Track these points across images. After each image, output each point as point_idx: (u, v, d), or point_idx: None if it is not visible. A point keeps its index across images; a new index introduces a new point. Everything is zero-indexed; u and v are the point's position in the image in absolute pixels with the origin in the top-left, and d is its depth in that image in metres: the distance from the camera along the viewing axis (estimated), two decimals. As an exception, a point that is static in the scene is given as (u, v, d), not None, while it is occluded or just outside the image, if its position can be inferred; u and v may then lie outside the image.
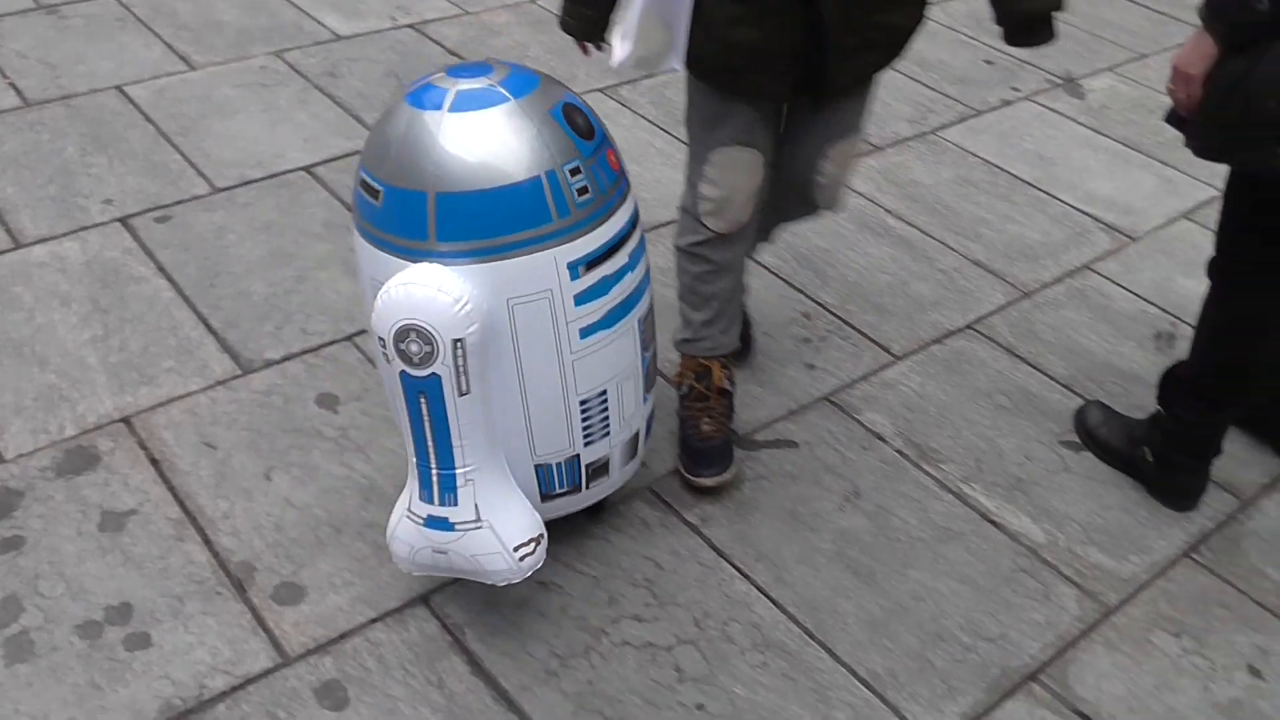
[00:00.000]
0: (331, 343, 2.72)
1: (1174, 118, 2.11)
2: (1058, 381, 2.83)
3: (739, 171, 2.22)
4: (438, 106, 1.80)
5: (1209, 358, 2.36)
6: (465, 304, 1.78)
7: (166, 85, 3.65)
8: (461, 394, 1.84)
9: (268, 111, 3.56)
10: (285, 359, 2.67)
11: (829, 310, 2.99)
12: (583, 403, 2.01)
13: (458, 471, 1.91)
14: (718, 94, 2.16)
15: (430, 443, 1.89)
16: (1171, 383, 2.44)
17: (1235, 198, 2.21)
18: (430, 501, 1.93)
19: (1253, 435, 2.67)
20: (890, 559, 2.33)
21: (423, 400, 1.85)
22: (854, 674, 2.10)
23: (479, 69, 1.87)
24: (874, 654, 2.15)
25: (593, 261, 1.90)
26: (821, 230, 3.26)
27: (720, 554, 2.31)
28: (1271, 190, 2.06)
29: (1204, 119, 1.98)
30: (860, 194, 3.45)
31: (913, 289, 3.10)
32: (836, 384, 2.76)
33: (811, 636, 2.16)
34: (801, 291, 3.05)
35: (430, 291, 1.76)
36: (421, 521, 1.94)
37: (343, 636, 2.08)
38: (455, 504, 1.93)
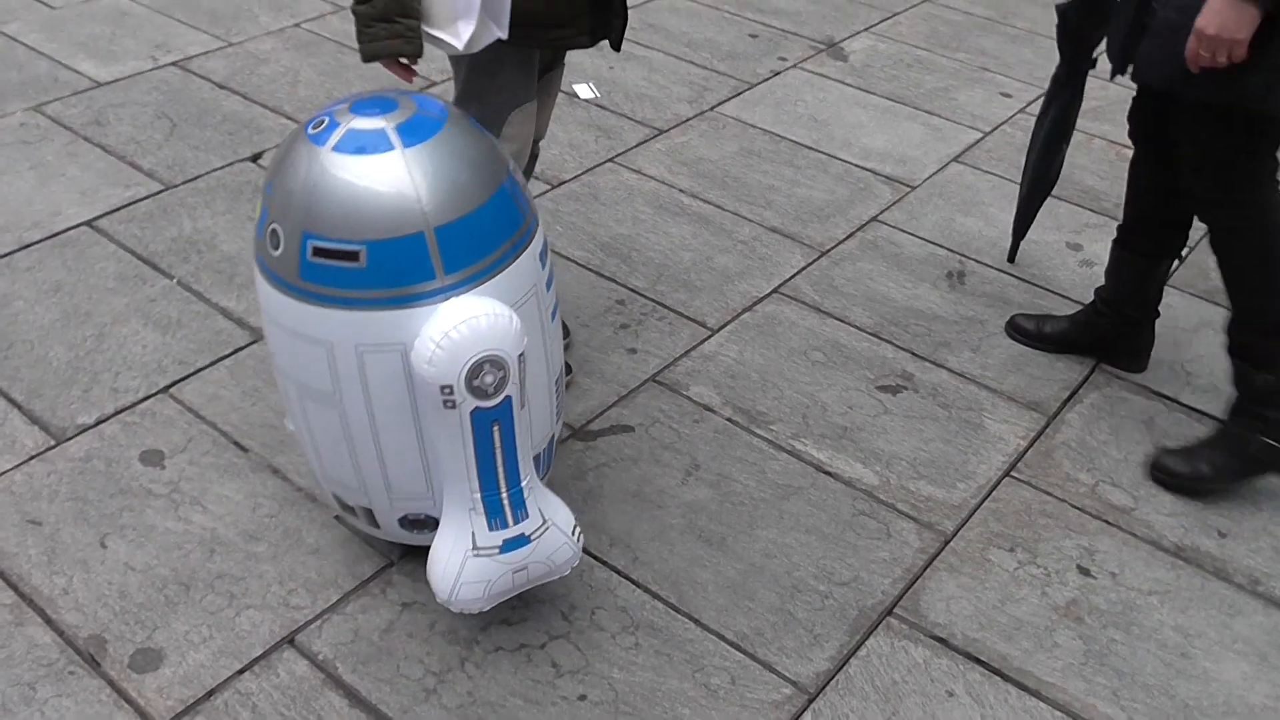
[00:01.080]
0: (146, 398, 2.64)
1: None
2: (865, 331, 2.97)
3: (529, 123, 2.37)
4: (389, 147, 1.79)
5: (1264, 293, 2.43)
6: (515, 319, 1.83)
7: (-82, 154, 3.46)
8: (520, 408, 1.89)
9: (35, 169, 3.40)
10: (100, 421, 2.57)
11: (641, 294, 3.06)
12: (554, 381, 2.14)
13: (523, 485, 1.96)
14: (517, 60, 2.26)
15: (500, 469, 1.92)
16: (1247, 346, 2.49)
17: (1238, 139, 2.29)
18: (504, 526, 1.96)
19: (1060, 351, 2.88)
20: (738, 523, 2.42)
21: (496, 429, 1.87)
22: (723, 639, 2.18)
23: (379, 104, 1.86)
24: (739, 616, 2.22)
25: (544, 249, 2.03)
26: (621, 218, 3.33)
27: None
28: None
29: (1254, 69, 2.11)
30: (652, 177, 3.53)
31: (717, 262, 3.20)
32: (659, 364, 2.83)
33: (677, 610, 2.23)
34: (612, 280, 3.11)
35: (491, 319, 1.80)
36: (497, 550, 1.96)
37: (210, 694, 2.04)
38: (526, 516, 1.98)
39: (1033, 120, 3.14)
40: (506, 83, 2.30)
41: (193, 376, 2.71)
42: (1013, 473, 2.58)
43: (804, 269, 3.19)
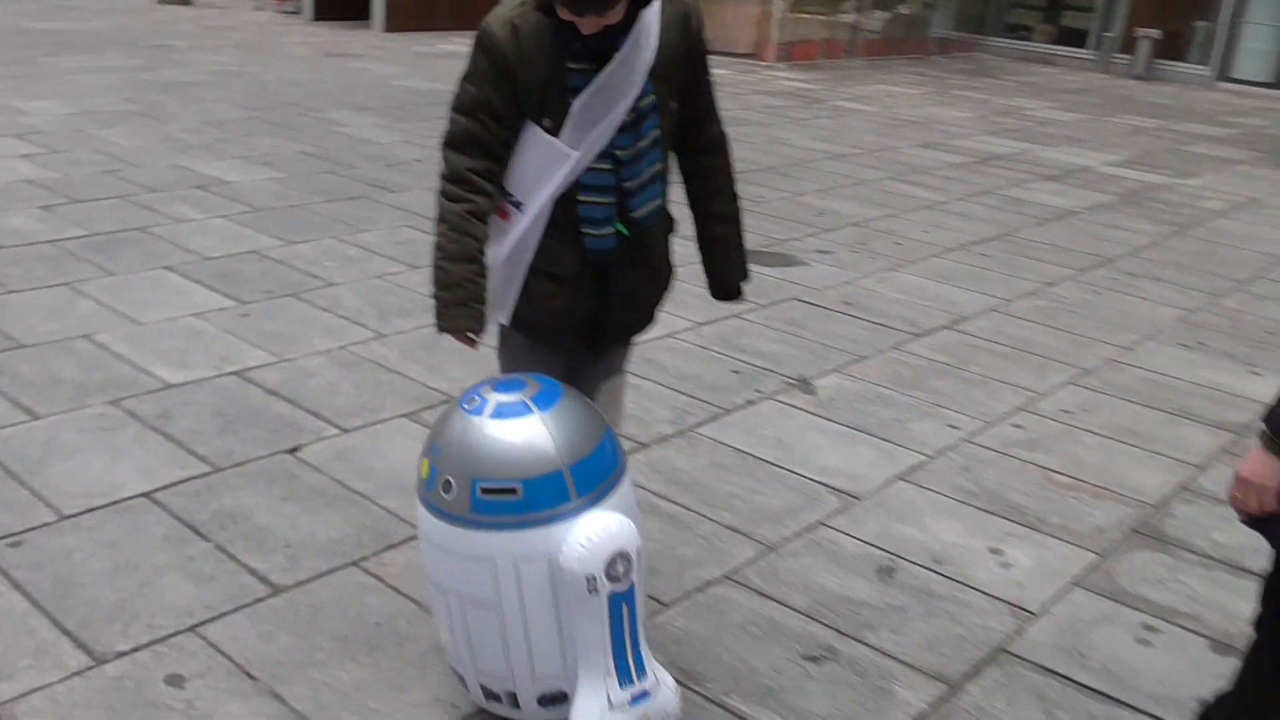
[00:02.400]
0: (175, 634, 3.11)
1: (1251, 521, 2.34)
2: (798, 611, 3.41)
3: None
4: (529, 412, 2.51)
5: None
6: (632, 524, 2.53)
7: (12, 434, 4.09)
8: (640, 591, 2.57)
9: (108, 451, 4.02)
10: (134, 649, 3.04)
11: (608, 572, 3.53)
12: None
13: (643, 650, 2.63)
14: (528, 344, 2.93)
15: (628, 639, 2.58)
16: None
17: None
18: (631, 684, 2.59)
19: None
20: (666, 758, 2.80)
21: (624, 608, 2.54)
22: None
23: (512, 384, 2.61)
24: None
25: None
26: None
27: None
28: None
29: None
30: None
31: (677, 552, 3.69)
32: (617, 629, 3.27)
33: (603, 822, 2.58)
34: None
35: (619, 524, 2.49)
36: (628, 704, 2.59)
37: None
38: (646, 676, 2.64)
39: (973, 448, 3.64)
40: (519, 360, 2.97)
41: (218, 619, 3.18)
42: (914, 732, 2.96)
43: (752, 561, 3.67)
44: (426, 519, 2.60)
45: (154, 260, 6.08)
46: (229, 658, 3.03)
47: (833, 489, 4.15)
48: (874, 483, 4.22)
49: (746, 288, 3.16)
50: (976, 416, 4.84)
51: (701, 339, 5.48)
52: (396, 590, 3.38)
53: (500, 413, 2.51)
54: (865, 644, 3.29)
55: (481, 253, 2.71)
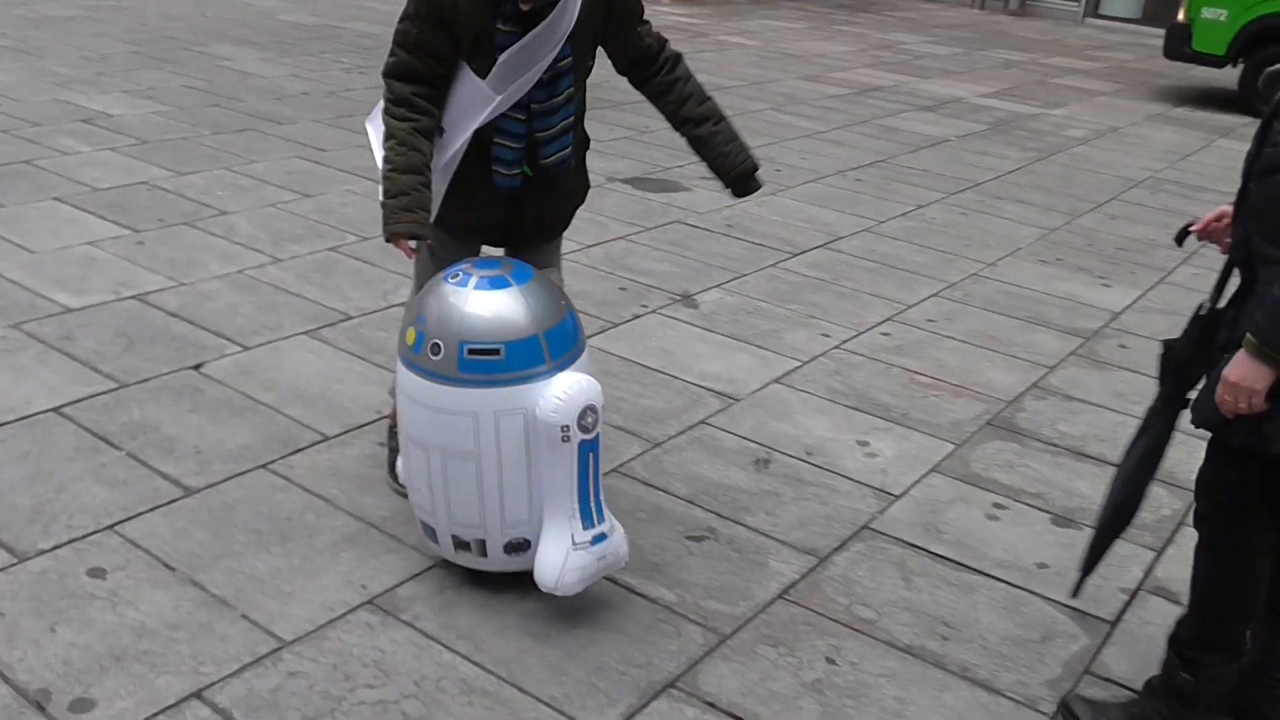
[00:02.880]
0: (94, 533, 3.28)
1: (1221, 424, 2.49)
2: (681, 498, 3.70)
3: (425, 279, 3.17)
4: (508, 285, 2.86)
5: (1216, 607, 2.68)
6: (597, 384, 2.89)
7: (-85, 357, 4.17)
8: (601, 439, 2.93)
9: (12, 370, 4.13)
10: (55, 547, 3.20)
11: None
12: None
13: (601, 495, 2.98)
14: (446, 245, 3.18)
15: (591, 484, 2.92)
16: (1184, 644, 2.72)
17: (1240, 464, 2.56)
18: (593, 526, 2.94)
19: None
20: (562, 625, 3.07)
21: (590, 456, 2.88)
22: (539, 700, 2.80)
23: (490, 264, 2.93)
24: (553, 686, 2.85)
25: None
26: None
27: (430, 637, 2.98)
28: None
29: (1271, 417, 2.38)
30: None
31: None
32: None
33: (505, 680, 2.85)
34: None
35: (588, 381, 2.84)
36: (589, 543, 2.92)
37: (131, 728, 2.62)
38: (604, 519, 2.99)
39: (844, 354, 3.97)
40: (435, 261, 3.19)
41: (134, 519, 3.36)
42: (785, 596, 3.27)
43: (639, 455, 3.94)
44: (413, 381, 2.89)
45: (43, 192, 6.10)
46: (148, 552, 3.22)
47: (713, 392, 4.44)
48: (752, 386, 4.52)
49: (754, 180, 3.29)
50: (847, 326, 5.17)
51: (590, 259, 5.71)
52: (304, 488, 3.58)
53: (484, 285, 2.82)
54: (743, 525, 3.59)
55: (427, 167, 2.96)
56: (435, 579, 3.21)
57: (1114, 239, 6.94)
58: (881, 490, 3.85)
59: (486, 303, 2.82)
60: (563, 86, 3.02)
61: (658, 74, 3.19)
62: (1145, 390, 4.76)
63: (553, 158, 3.07)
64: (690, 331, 4.99)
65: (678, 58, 3.22)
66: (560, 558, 2.91)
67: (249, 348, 4.50)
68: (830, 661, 3.02)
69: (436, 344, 2.82)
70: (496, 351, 2.78)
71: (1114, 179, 8.42)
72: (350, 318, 4.84)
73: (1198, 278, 6.28)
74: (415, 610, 3.09)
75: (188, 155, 6.97)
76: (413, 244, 3.02)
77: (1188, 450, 4.30)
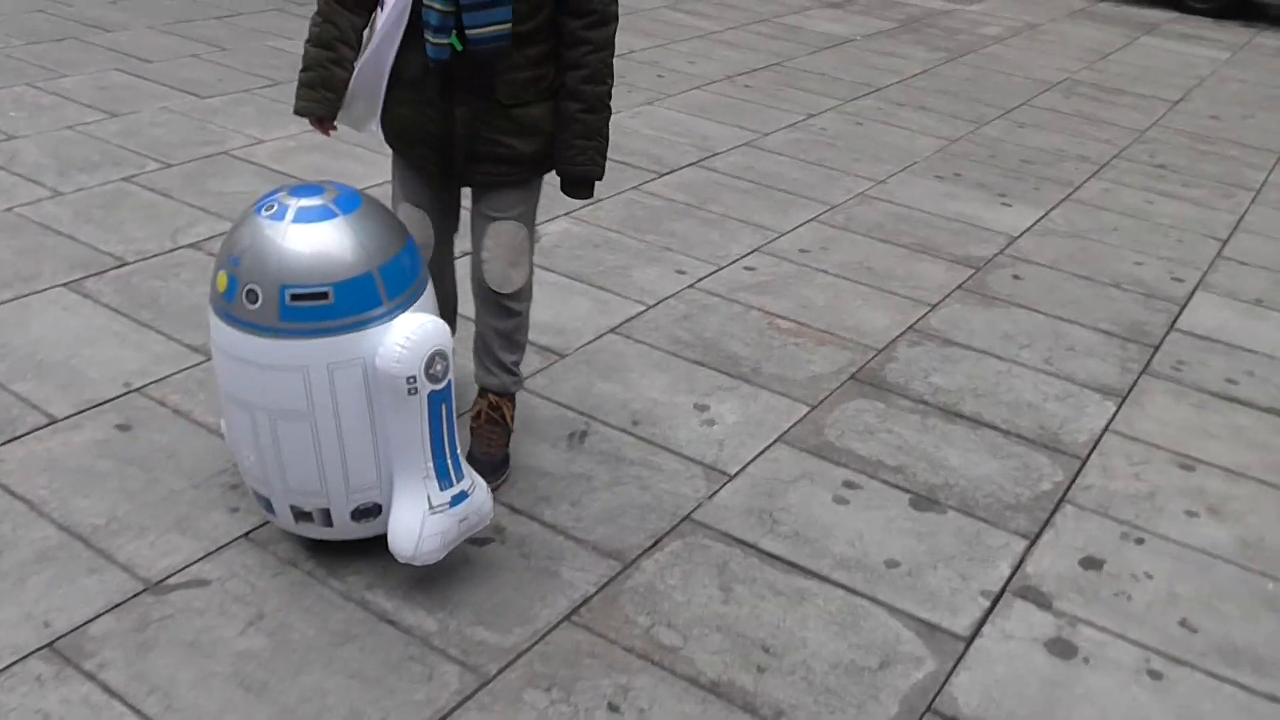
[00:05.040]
0: None
1: None
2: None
3: (411, 225, 2.89)
4: (333, 215, 2.42)
5: None
6: (444, 323, 2.50)
7: None
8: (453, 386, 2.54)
9: None
10: None
11: (262, 456, 3.15)
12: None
13: (458, 451, 2.59)
14: (399, 163, 2.97)
15: (446, 440, 2.54)
16: None
17: None
18: (451, 485, 2.57)
19: None
20: (284, 670, 2.47)
21: (443, 407, 2.51)
22: (227, 779, 2.21)
23: (310, 190, 2.48)
24: (253, 758, 2.26)
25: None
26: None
27: (114, 694, 2.38)
28: None
29: None
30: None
31: (348, 426, 3.31)
32: (256, 521, 2.91)
33: (191, 753, 2.26)
34: (238, 443, 3.20)
35: (434, 324, 2.44)
36: (448, 505, 2.56)
37: None
38: (463, 476, 2.62)
39: (698, 294, 3.35)
40: (397, 182, 3.01)
41: None
42: (572, 617, 2.69)
43: (431, 431, 3.31)
44: (227, 333, 2.47)
45: None
46: None
47: (536, 346, 3.81)
48: (584, 337, 3.90)
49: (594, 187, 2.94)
50: (707, 260, 4.55)
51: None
52: (7, 489, 2.95)
53: (303, 217, 2.41)
54: (539, 520, 3.00)
55: (342, 42, 2.76)
56: (141, 608, 2.61)
57: (1019, 150, 6.34)
58: (714, 468, 3.27)
59: (308, 238, 2.39)
60: None
61: (573, 17, 2.75)
62: (1035, 331, 4.22)
63: (481, 29, 2.65)
64: (522, 272, 4.33)
65: (603, 20, 2.76)
66: (416, 524, 2.55)
67: (-10, 304, 3.81)
68: (613, 709, 2.45)
69: (252, 289, 2.39)
70: (324, 295, 2.38)
71: (1026, 81, 7.80)
72: (125, 264, 4.15)
73: (1108, 194, 5.71)
74: (104, 655, 2.48)
75: (-13, 69, 6.15)
76: (334, 132, 2.89)
77: (1076, 406, 3.77)
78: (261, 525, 2.89)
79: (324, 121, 2.85)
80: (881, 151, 6.07)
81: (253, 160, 5.18)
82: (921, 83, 7.51)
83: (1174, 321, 4.44)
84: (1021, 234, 5.15)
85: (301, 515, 2.65)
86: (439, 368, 2.46)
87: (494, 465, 3.10)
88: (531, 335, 3.79)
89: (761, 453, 3.36)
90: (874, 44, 8.44)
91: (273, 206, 2.44)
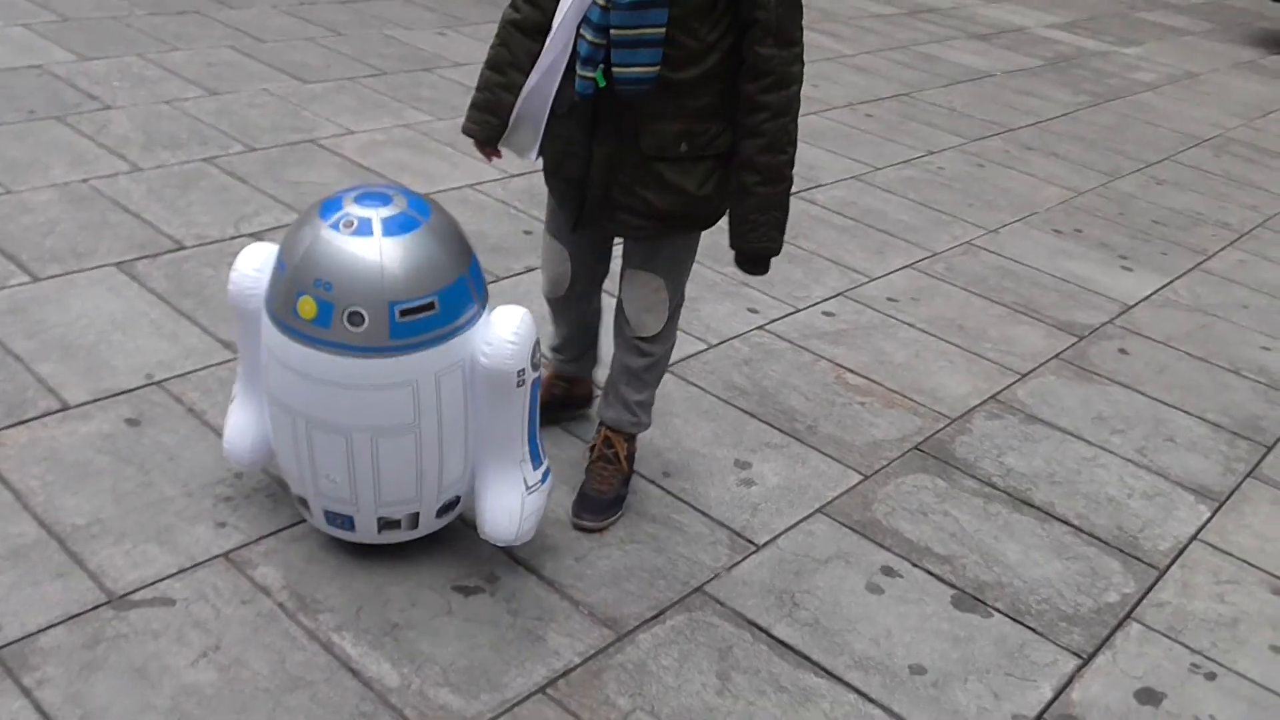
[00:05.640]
0: None
1: None
2: (471, 525, 2.87)
3: (548, 255, 2.91)
4: (416, 224, 2.40)
5: None
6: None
7: None
8: None
9: None
10: None
11: (268, 471, 2.99)
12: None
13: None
14: (550, 193, 2.84)
15: (539, 426, 2.62)
16: None
17: None
18: (541, 462, 2.64)
19: None
20: (226, 711, 2.28)
21: (534, 392, 2.53)
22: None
23: (374, 199, 2.41)
24: (164, 812, 2.07)
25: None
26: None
27: (46, 716, 2.22)
28: None
29: None
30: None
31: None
32: (241, 540, 2.74)
33: (100, 799, 2.08)
34: (243, 452, 3.04)
35: (526, 312, 2.48)
36: (541, 481, 2.63)
37: None
38: (545, 453, 2.68)
39: (766, 336, 3.12)
40: (548, 211, 2.92)
41: None
42: (548, 689, 2.45)
43: (447, 460, 3.11)
44: (320, 360, 2.38)
45: (-93, 68, 5.36)
46: None
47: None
48: (633, 374, 3.65)
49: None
50: (785, 299, 4.27)
51: (506, 192, 4.85)
52: (-3, 478, 2.83)
53: (391, 229, 2.35)
54: (537, 574, 2.77)
55: (513, 67, 2.62)
56: (97, 624, 2.46)
57: (1152, 209, 5.89)
58: (741, 535, 3.00)
59: (404, 251, 2.34)
60: None
61: (748, 79, 2.49)
62: (1133, 415, 3.82)
63: (627, 70, 2.45)
64: (585, 295, 4.10)
65: (776, 72, 2.48)
66: (517, 507, 2.58)
67: (39, 278, 3.74)
68: (570, 802, 2.20)
69: (357, 312, 2.32)
70: (430, 306, 2.36)
71: (1174, 134, 7.30)
72: (182, 248, 4.05)
73: (1243, 266, 5.24)
74: (46, 670, 2.33)
75: (104, 37, 6.17)
76: (497, 158, 2.80)
77: (1165, 506, 3.39)
78: (243, 545, 2.72)
79: (485, 145, 2.74)
80: (999, 198, 5.69)
81: (338, 151, 5.06)
82: (1058, 127, 7.08)
83: (1294, 419, 4.01)
84: (1138, 303, 4.74)
85: (389, 524, 2.61)
86: (538, 355, 2.52)
87: (601, 506, 2.94)
88: (574, 366, 3.57)
89: (798, 523, 3.07)
90: (1014, 81, 8.01)
91: (351, 222, 2.35)
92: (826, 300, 4.34)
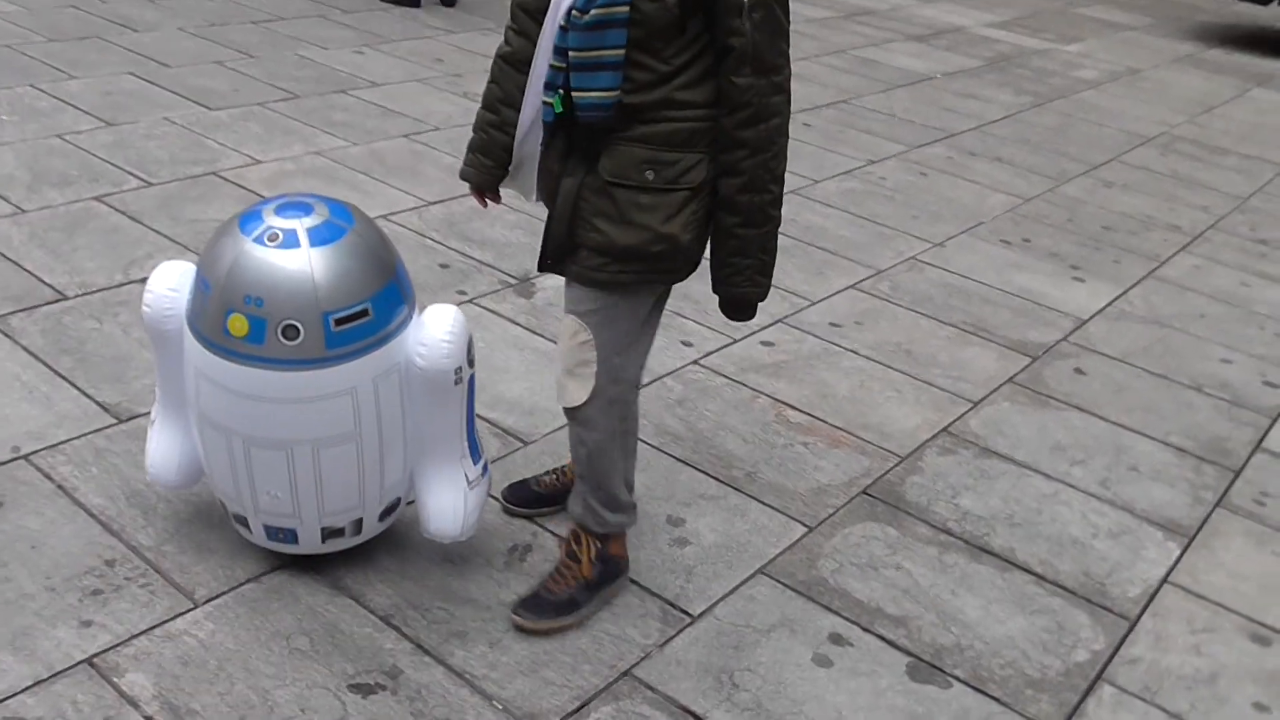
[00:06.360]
0: None
1: None
2: (374, 614, 2.58)
3: (565, 337, 2.47)
4: (342, 231, 2.36)
5: None
6: None
7: None
8: None
9: None
10: None
11: (140, 554, 2.67)
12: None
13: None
14: None
15: (472, 415, 2.58)
16: None
17: None
18: (480, 456, 2.62)
19: None
20: None
21: (470, 387, 2.52)
22: None
23: (294, 208, 2.35)
24: None
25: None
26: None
27: None
28: None
29: None
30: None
31: (252, 520, 2.81)
32: (108, 642, 2.42)
33: None
34: (117, 535, 2.72)
35: (456, 309, 2.47)
36: (481, 474, 2.61)
37: None
38: (480, 444, 2.66)
39: (701, 372, 2.85)
40: None
41: None
42: (454, 807, 2.15)
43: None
44: (255, 377, 2.32)
45: None
46: None
47: (499, 430, 3.29)
48: (555, 421, 3.35)
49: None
50: (721, 329, 3.99)
51: (423, 222, 4.54)
52: None
53: (318, 239, 2.31)
54: (445, 664, 2.48)
55: (505, 104, 2.40)
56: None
57: (1102, 214, 5.68)
58: (674, 605, 2.72)
59: (334, 260, 2.31)
60: None
61: (726, 112, 2.21)
62: (1093, 443, 3.55)
63: (584, 94, 2.20)
64: (506, 333, 3.82)
65: (754, 103, 2.18)
66: (460, 503, 2.56)
67: (-101, 340, 3.39)
68: None
69: (291, 325, 2.27)
70: (364, 313, 2.33)
71: (1119, 134, 7.11)
72: (63, 298, 3.72)
73: (1198, 272, 5.04)
74: None
75: (1, 66, 5.80)
76: (494, 203, 2.59)
77: (1132, 546, 3.15)
78: (110, 648, 2.40)
79: (479, 190, 2.55)
80: (944, 208, 5.46)
81: (241, 183, 4.73)
82: (1001, 130, 6.87)
83: (1261, 439, 3.78)
84: (1092, 317, 4.51)
85: (333, 533, 2.57)
86: (473, 351, 2.48)
87: (544, 606, 2.59)
88: (495, 413, 3.28)
89: (737, 587, 2.80)
90: (955, 83, 7.81)
91: (276, 235, 2.30)
92: (765, 329, 4.07)
